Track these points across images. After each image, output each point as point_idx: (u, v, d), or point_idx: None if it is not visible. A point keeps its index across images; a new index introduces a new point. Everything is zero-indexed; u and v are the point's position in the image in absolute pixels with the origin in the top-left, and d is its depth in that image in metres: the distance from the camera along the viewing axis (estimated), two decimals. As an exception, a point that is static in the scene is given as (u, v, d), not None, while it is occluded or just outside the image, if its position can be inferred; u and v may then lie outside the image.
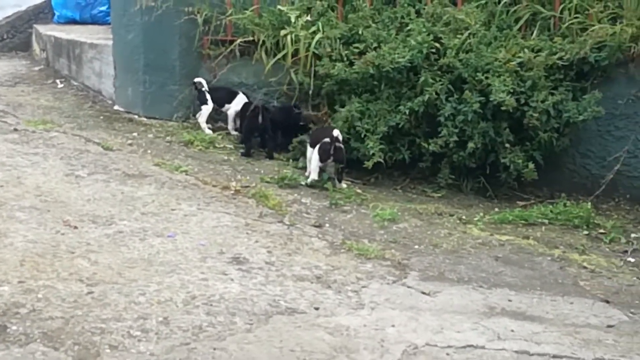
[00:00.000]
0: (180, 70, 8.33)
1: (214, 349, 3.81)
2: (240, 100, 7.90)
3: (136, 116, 8.45)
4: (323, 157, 6.68)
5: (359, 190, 6.75)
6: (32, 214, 5.41)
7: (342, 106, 7.15)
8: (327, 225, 5.84)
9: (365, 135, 6.92)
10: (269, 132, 7.56)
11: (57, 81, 10.08)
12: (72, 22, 11.83)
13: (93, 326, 3.92)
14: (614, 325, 4.54)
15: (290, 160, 7.40)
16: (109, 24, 9.67)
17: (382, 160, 6.85)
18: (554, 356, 4.07)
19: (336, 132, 6.77)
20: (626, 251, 5.88)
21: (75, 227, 5.23)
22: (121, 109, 8.67)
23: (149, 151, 7.23)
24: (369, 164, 6.82)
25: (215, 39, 8.20)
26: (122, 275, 4.55)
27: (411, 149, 7.04)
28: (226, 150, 7.59)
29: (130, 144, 7.40)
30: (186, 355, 3.73)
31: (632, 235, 6.24)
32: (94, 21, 11.73)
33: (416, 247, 5.58)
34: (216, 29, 8.16)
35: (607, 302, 4.91)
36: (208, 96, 7.98)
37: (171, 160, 6.97)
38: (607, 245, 6.00)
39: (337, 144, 6.66)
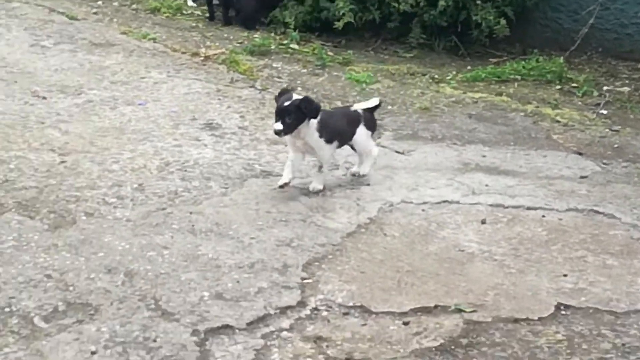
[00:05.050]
0: None
1: (190, 212, 3.81)
2: None
3: (100, -16, 8.24)
4: None
5: (330, 53, 6.66)
6: (-2, 86, 5.33)
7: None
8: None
9: (334, -5, 6.79)
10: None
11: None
12: None
13: (68, 194, 3.90)
14: (587, 176, 4.59)
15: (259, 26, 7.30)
16: None
17: (352, 21, 6.75)
18: (528, 208, 4.11)
19: None
20: (598, 104, 5.90)
21: (44, 98, 5.15)
22: (84, -23, 8.45)
23: (115, 20, 7.08)
24: (339, 25, 6.72)
25: None
26: (94, 144, 4.51)
27: (381, 9, 6.91)
28: (194, 16, 7.45)
29: (96, 13, 7.24)
30: (163, 220, 3.73)
31: (604, 88, 6.26)
32: None
33: (389, 107, 5.55)
34: None
35: (580, 154, 4.95)
36: None
37: (138, 29, 6.84)
38: (580, 99, 6.02)
39: None
